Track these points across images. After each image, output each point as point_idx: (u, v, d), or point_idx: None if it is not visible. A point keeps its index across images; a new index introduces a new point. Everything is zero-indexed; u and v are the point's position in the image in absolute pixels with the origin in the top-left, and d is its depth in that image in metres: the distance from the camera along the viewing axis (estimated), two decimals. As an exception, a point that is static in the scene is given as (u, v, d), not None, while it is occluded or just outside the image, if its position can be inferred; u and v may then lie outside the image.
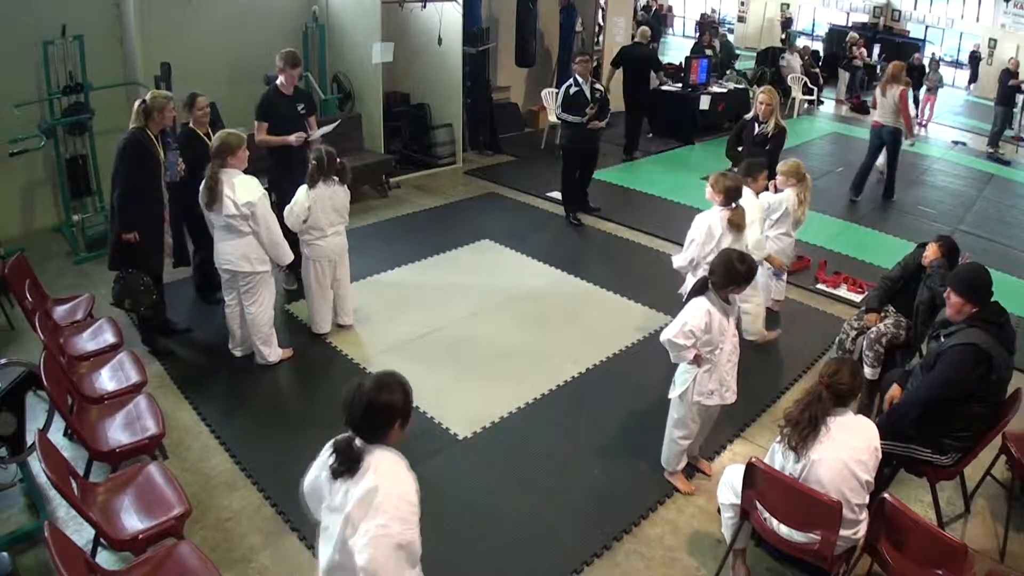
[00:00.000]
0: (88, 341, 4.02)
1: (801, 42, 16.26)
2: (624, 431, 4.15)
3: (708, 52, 11.53)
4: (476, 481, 3.68)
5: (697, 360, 3.36)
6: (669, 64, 11.53)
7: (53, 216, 6.49)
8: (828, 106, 14.39)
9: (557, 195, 7.53)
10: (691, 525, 3.50)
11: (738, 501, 2.98)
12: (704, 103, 10.33)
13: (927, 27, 19.32)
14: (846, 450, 2.72)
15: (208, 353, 4.74)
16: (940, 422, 3.23)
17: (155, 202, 4.45)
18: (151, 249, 4.47)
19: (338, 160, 4.62)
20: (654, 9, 19.40)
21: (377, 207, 7.42)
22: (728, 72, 12.39)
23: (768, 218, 5.00)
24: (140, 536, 2.71)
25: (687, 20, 23.53)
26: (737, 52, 15.16)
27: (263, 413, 4.22)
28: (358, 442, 2.14)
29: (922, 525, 2.78)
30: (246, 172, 4.19)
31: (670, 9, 22.12)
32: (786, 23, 17.02)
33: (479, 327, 5.18)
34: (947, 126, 13.46)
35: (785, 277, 5.42)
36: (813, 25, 21.43)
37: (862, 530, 2.80)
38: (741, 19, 21.77)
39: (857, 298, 5.70)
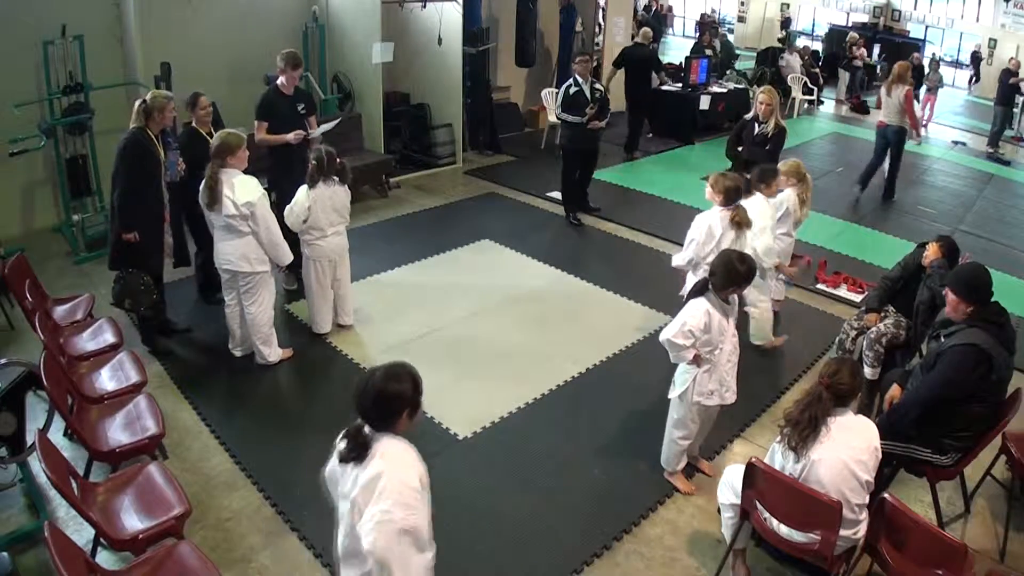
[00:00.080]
0: (88, 341, 4.02)
1: (801, 42, 16.26)
2: (624, 431, 4.15)
3: (708, 52, 11.53)
4: (476, 481, 3.68)
5: (697, 360, 3.36)
6: (669, 64, 11.53)
7: (53, 216, 6.49)
8: (828, 106, 14.39)
9: (557, 195, 7.53)
10: (691, 525, 3.50)
11: (738, 501, 2.98)
12: (704, 103, 10.33)
13: (927, 27, 19.32)
14: (846, 450, 2.72)
15: (208, 353, 4.74)
16: (940, 422, 3.23)
17: (155, 202, 4.45)
18: (151, 249, 4.47)
19: (338, 160, 4.62)
20: (654, 9, 19.40)
21: (377, 207, 7.42)
22: (728, 72, 12.39)
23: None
24: (140, 536, 2.71)
25: (687, 20, 23.52)
26: (737, 52, 15.15)
27: (263, 413, 4.22)
28: (367, 430, 2.19)
29: (922, 525, 2.78)
30: (246, 172, 4.20)
31: (670, 9, 22.12)
32: (785, 23, 17.02)
33: (479, 327, 5.18)
34: (947, 126, 13.46)
35: (783, 278, 5.42)
36: (813, 25, 21.42)
37: (862, 530, 2.80)
38: (741, 19, 21.77)
39: (857, 298, 5.70)
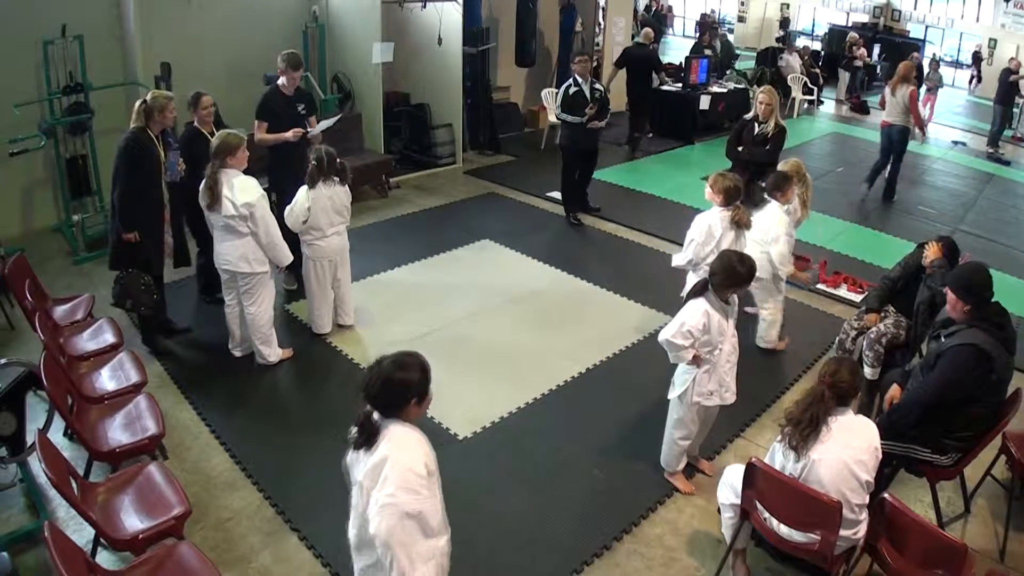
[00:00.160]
0: (88, 341, 4.02)
1: (801, 42, 16.26)
2: (624, 431, 4.15)
3: (708, 52, 11.53)
4: (476, 481, 3.68)
5: (696, 360, 3.36)
6: (669, 64, 11.54)
7: (53, 216, 6.49)
8: (828, 106, 14.39)
9: (557, 195, 7.53)
10: (691, 525, 3.50)
11: (738, 501, 2.98)
12: (704, 103, 10.33)
13: (927, 27, 19.32)
14: (846, 450, 2.72)
15: (208, 353, 4.74)
16: (940, 422, 3.23)
17: (156, 202, 4.45)
18: (151, 249, 4.47)
19: (338, 160, 4.62)
20: (654, 9, 19.41)
21: (377, 207, 7.42)
22: (728, 72, 12.40)
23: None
24: (140, 536, 2.71)
25: (687, 20, 23.52)
26: (737, 52, 15.15)
27: (263, 413, 4.22)
28: (376, 416, 2.24)
29: (922, 525, 2.78)
30: (246, 172, 4.19)
31: (670, 9, 22.12)
32: (783, 23, 17.02)
33: (479, 327, 5.18)
34: (947, 126, 13.45)
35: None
36: (813, 25, 21.41)
37: (862, 530, 2.79)
38: (741, 19, 21.76)
39: (857, 298, 5.70)
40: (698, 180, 7.33)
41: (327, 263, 4.76)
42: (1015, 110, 12.58)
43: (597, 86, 6.86)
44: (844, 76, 14.68)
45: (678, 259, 4.50)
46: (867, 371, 4.20)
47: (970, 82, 17.94)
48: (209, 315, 5.10)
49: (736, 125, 6.17)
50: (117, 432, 3.31)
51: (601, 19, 11.47)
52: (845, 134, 12.09)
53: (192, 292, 5.37)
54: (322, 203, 4.57)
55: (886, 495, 2.84)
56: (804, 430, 2.75)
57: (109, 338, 4.00)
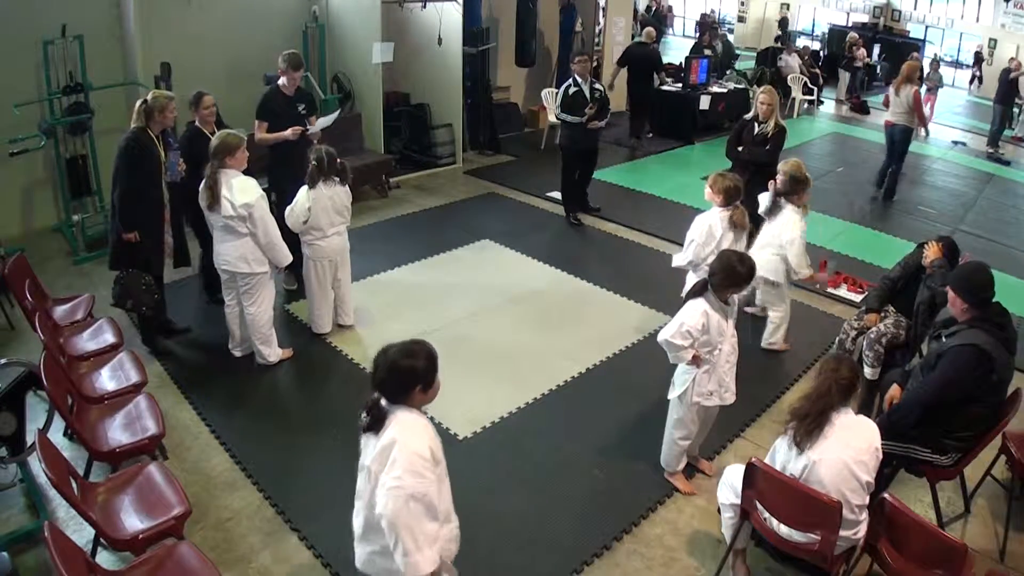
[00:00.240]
0: (88, 341, 4.02)
1: (801, 42, 16.24)
2: (624, 431, 4.15)
3: (708, 52, 11.54)
4: (476, 481, 3.68)
5: (696, 361, 3.36)
6: (669, 64, 11.55)
7: (53, 216, 6.49)
8: (828, 106, 14.38)
9: (557, 195, 7.53)
10: (691, 525, 3.50)
11: (738, 501, 2.98)
12: (704, 103, 10.34)
13: (927, 27, 19.31)
14: (847, 450, 2.72)
15: (208, 353, 4.74)
16: (940, 422, 3.23)
17: (156, 202, 4.45)
18: (152, 249, 4.47)
19: (338, 160, 4.62)
20: (654, 9, 19.40)
21: (377, 207, 7.42)
22: (728, 72, 12.40)
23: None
24: (140, 536, 2.71)
25: (687, 20, 23.51)
26: (737, 52, 15.15)
27: (263, 413, 4.22)
28: (383, 402, 2.32)
29: (922, 525, 2.78)
30: (246, 173, 4.19)
31: (670, 9, 22.10)
32: (781, 23, 17.01)
33: (479, 327, 5.18)
34: (947, 126, 13.45)
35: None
36: (813, 25, 21.40)
37: (862, 530, 2.79)
38: (741, 19, 21.75)
39: (857, 298, 5.70)
40: (698, 180, 7.32)
41: (327, 263, 4.76)
42: (1015, 110, 12.57)
43: (597, 86, 6.86)
44: (844, 76, 14.67)
45: (678, 259, 4.50)
46: (867, 371, 4.20)
47: (971, 82, 17.92)
48: (209, 315, 5.10)
49: (736, 125, 6.17)
50: (117, 432, 3.31)
51: (601, 19, 11.48)
52: (845, 134, 12.09)
53: (192, 292, 5.37)
54: (322, 203, 4.57)
55: (886, 495, 2.84)
56: (810, 424, 2.74)
57: (109, 338, 4.00)
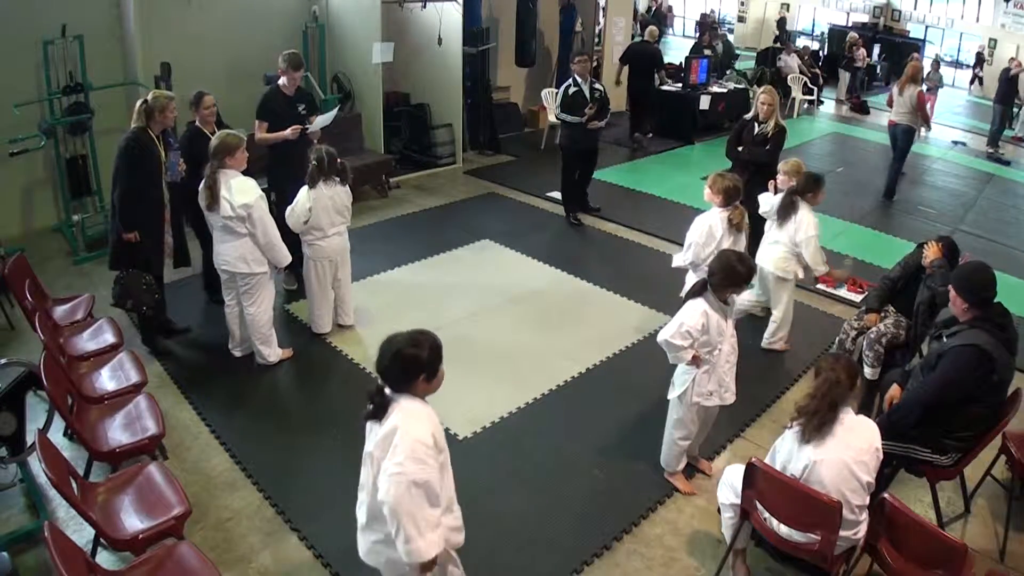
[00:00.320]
0: (88, 341, 4.02)
1: (801, 42, 16.24)
2: (624, 431, 4.15)
3: (708, 52, 11.54)
4: (476, 481, 3.68)
5: (695, 361, 3.36)
6: (669, 64, 11.56)
7: (53, 216, 6.49)
8: (828, 106, 14.39)
9: (557, 195, 7.53)
10: (691, 525, 3.50)
11: (738, 501, 2.98)
12: (704, 103, 10.34)
13: (927, 27, 19.30)
14: (847, 451, 2.72)
15: (208, 353, 4.74)
16: (940, 422, 3.23)
17: (156, 202, 4.46)
18: (152, 249, 4.47)
19: (338, 160, 4.62)
20: (654, 9, 19.40)
21: (377, 207, 7.42)
22: (728, 72, 12.40)
23: (770, 219, 5.00)
24: (140, 536, 2.71)
25: (687, 20, 23.51)
26: (737, 52, 15.15)
27: (263, 413, 4.22)
28: (387, 390, 2.35)
29: (922, 525, 2.78)
30: (246, 173, 4.19)
31: (670, 9, 22.10)
32: (780, 23, 17.02)
33: (479, 327, 5.18)
34: (947, 126, 13.45)
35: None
36: (813, 25, 21.40)
37: (862, 531, 2.79)
38: (741, 19, 21.75)
39: (857, 298, 5.70)
40: (698, 180, 7.32)
41: (328, 263, 4.76)
42: (1015, 110, 12.57)
43: (597, 86, 6.86)
44: (844, 76, 14.68)
45: (678, 260, 4.50)
46: (867, 371, 4.20)
47: (971, 83, 17.91)
48: (209, 315, 5.10)
49: (736, 125, 6.17)
50: (117, 432, 3.31)
51: (601, 19, 11.48)
52: (845, 134, 12.09)
53: (192, 292, 5.36)
54: (323, 203, 4.57)
55: (886, 495, 2.83)
56: (821, 419, 2.73)
57: (109, 338, 4.00)
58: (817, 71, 14.07)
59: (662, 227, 7.03)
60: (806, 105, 13.55)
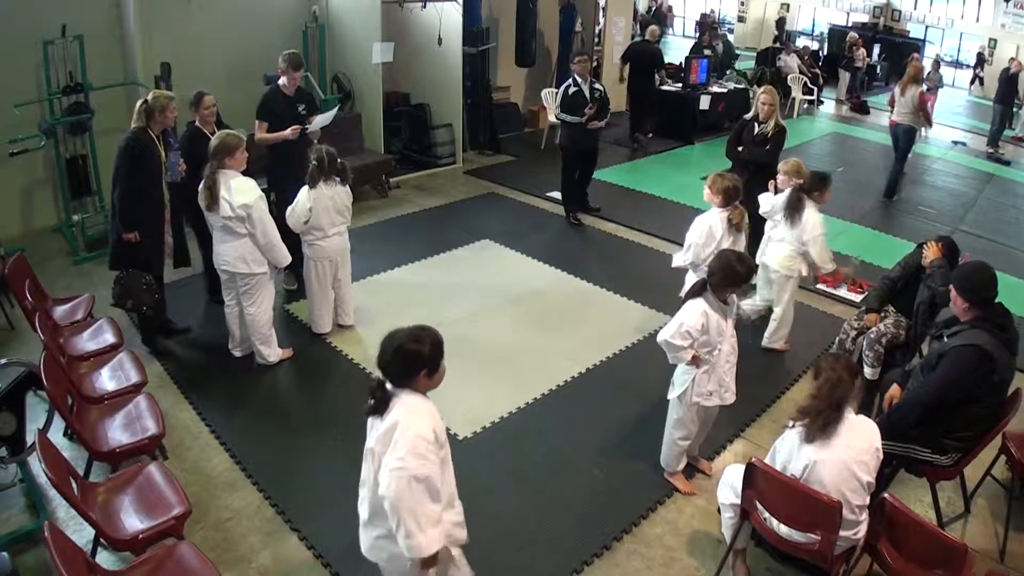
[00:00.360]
0: (88, 341, 4.02)
1: (801, 42, 16.23)
2: (624, 431, 4.15)
3: (708, 52, 11.55)
4: (476, 481, 3.67)
5: (695, 361, 3.36)
6: (669, 64, 11.57)
7: (53, 216, 6.49)
8: (828, 106, 14.39)
9: (557, 195, 7.53)
10: (691, 525, 3.50)
11: (738, 501, 2.98)
12: (704, 103, 10.34)
13: (927, 27, 19.30)
14: (847, 451, 2.71)
15: (208, 353, 4.74)
16: (940, 422, 3.23)
17: (156, 202, 4.46)
18: (151, 249, 4.47)
19: (339, 160, 4.62)
20: (654, 9, 19.40)
21: (377, 207, 7.42)
22: (728, 72, 12.40)
23: (771, 219, 5.00)
24: (140, 536, 2.71)
25: (687, 20, 23.51)
26: (737, 52, 15.15)
27: (263, 413, 4.22)
28: (388, 385, 2.35)
29: (922, 525, 2.78)
30: (246, 173, 4.19)
31: (670, 9, 22.11)
32: (779, 23, 17.02)
33: (479, 327, 5.18)
34: (947, 126, 13.45)
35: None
36: (813, 25, 21.40)
37: (862, 531, 2.79)
38: (741, 19, 21.76)
39: (857, 298, 5.70)
40: (698, 180, 7.31)
41: (328, 263, 4.76)
42: (1015, 110, 12.57)
43: (597, 86, 6.86)
44: (844, 76, 14.68)
45: (678, 260, 4.50)
46: (867, 371, 4.20)
47: (971, 83, 17.91)
48: (209, 315, 5.11)
49: (736, 125, 6.17)
50: (117, 432, 3.31)
51: (601, 19, 11.48)
52: (845, 134, 12.10)
53: (192, 292, 5.36)
54: (323, 203, 4.57)
55: (886, 495, 2.83)
56: (827, 417, 2.72)
57: (109, 338, 4.00)
58: (817, 71, 14.08)
59: (662, 227, 7.03)
60: (806, 105, 13.55)
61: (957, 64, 19.36)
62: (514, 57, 9.80)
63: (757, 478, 2.86)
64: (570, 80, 6.78)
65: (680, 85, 10.70)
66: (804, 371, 4.82)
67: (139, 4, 6.25)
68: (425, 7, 8.10)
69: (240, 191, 4.07)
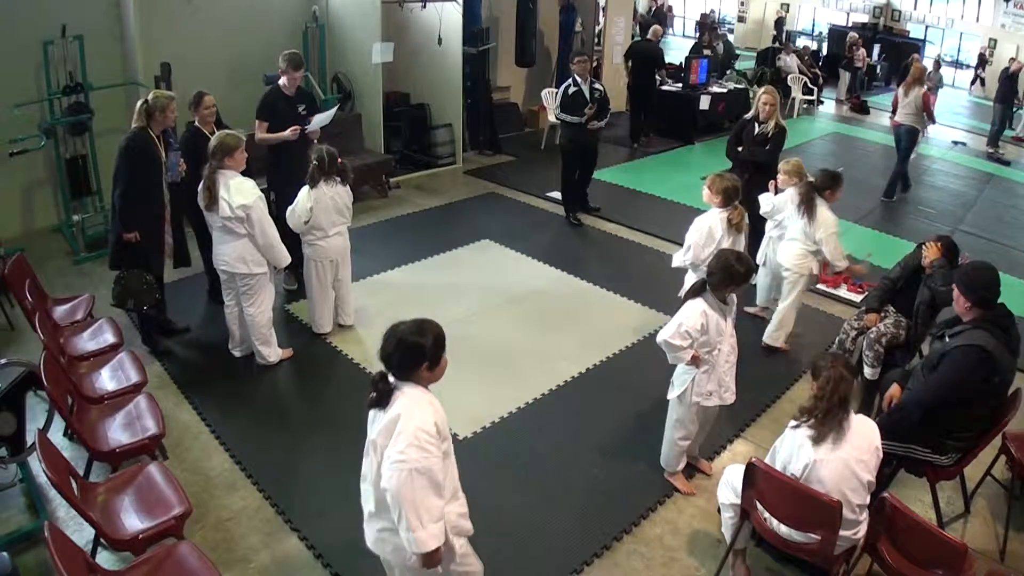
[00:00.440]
0: (88, 341, 4.02)
1: (801, 42, 16.23)
2: (624, 431, 4.15)
3: (708, 52, 11.55)
4: (476, 481, 3.66)
5: (695, 361, 3.36)
6: (669, 64, 11.58)
7: (53, 216, 6.49)
8: (828, 106, 14.39)
9: (557, 195, 7.53)
10: (691, 525, 3.50)
11: (738, 501, 2.98)
12: (704, 103, 10.35)
13: (927, 27, 19.31)
14: (848, 450, 2.72)
15: (208, 353, 4.74)
16: (940, 422, 3.23)
17: (156, 202, 4.45)
18: (152, 249, 4.47)
19: (339, 160, 4.62)
20: (654, 9, 19.39)
21: (377, 207, 7.42)
22: (728, 72, 12.41)
23: (772, 219, 5.01)
24: (140, 536, 2.71)
25: (687, 20, 23.51)
26: (737, 52, 15.15)
27: (263, 413, 4.22)
28: (391, 378, 2.36)
29: (922, 525, 2.78)
30: (246, 173, 4.19)
31: (670, 9, 22.11)
32: (778, 23, 17.02)
33: (479, 327, 5.18)
34: (947, 126, 13.45)
35: None
36: (813, 25, 21.40)
37: (862, 530, 2.79)
38: (741, 19, 21.76)
39: (857, 298, 5.70)
40: (698, 180, 7.30)
41: (328, 263, 4.76)
42: (1015, 110, 12.57)
43: (597, 86, 6.85)
44: (844, 76, 14.69)
45: (678, 260, 4.50)
46: (867, 371, 4.21)
47: (972, 83, 17.91)
48: (209, 315, 5.11)
49: (736, 125, 6.17)
50: (117, 432, 3.31)
51: (601, 19, 11.48)
52: (845, 134, 12.10)
53: (192, 292, 5.36)
54: (324, 203, 4.57)
55: (886, 495, 2.83)
56: (835, 415, 2.71)
57: (109, 338, 4.00)
58: (817, 71, 14.08)
59: (662, 227, 7.03)
60: (806, 105, 13.55)
61: (957, 64, 19.36)
62: (514, 57, 9.79)
63: (757, 478, 2.86)
64: (570, 80, 6.78)
65: (680, 85, 10.70)
66: (804, 371, 4.81)
67: (139, 4, 6.25)
68: (425, 7, 8.10)
69: (239, 191, 4.07)
